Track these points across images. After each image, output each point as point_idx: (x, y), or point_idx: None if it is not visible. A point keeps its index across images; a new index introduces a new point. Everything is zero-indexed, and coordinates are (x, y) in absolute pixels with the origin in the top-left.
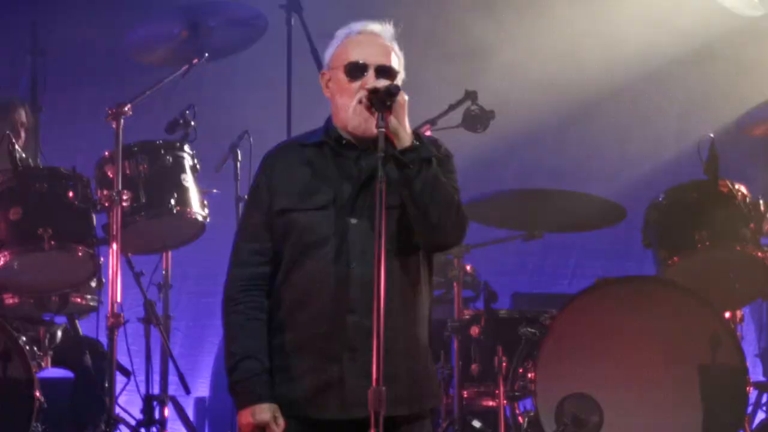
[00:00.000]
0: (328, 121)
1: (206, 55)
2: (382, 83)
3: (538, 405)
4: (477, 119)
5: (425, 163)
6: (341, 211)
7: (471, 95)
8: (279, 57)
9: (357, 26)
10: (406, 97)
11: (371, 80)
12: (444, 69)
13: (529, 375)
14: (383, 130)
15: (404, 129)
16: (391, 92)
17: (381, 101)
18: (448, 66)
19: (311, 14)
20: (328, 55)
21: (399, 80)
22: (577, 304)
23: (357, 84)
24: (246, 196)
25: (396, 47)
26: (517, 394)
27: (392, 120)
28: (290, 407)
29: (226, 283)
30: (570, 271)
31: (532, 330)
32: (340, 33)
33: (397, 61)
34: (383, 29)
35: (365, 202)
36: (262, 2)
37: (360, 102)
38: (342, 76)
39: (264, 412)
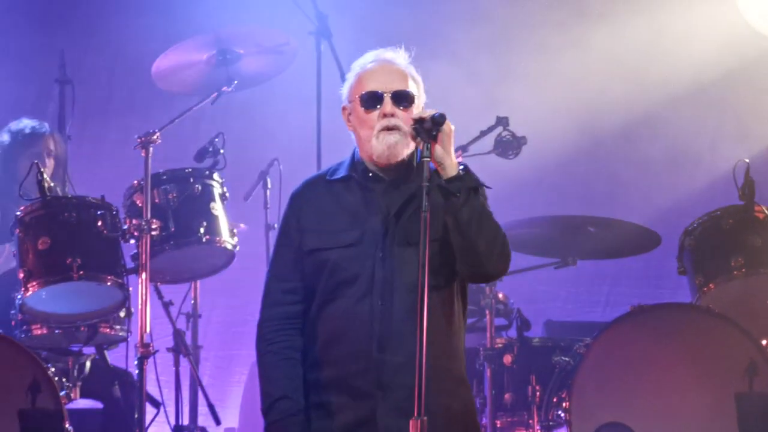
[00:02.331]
0: (353, 155)
1: (235, 82)
2: (428, 112)
3: None
4: (509, 145)
5: (472, 191)
6: (370, 247)
7: (502, 121)
8: (308, 84)
9: (370, 56)
10: (453, 126)
11: (388, 107)
12: (473, 93)
13: (564, 404)
14: (428, 159)
15: (450, 158)
16: (438, 121)
17: (427, 131)
18: (477, 90)
19: (341, 41)
20: (345, 90)
21: (420, 104)
22: (612, 331)
23: (374, 113)
24: (277, 233)
25: (412, 71)
26: (551, 423)
27: (438, 149)
28: None
29: (259, 324)
30: (604, 299)
31: (566, 358)
32: (355, 66)
33: (415, 86)
34: (396, 55)
35: (394, 238)
36: (291, 29)
37: (385, 131)
38: (359, 108)
39: None
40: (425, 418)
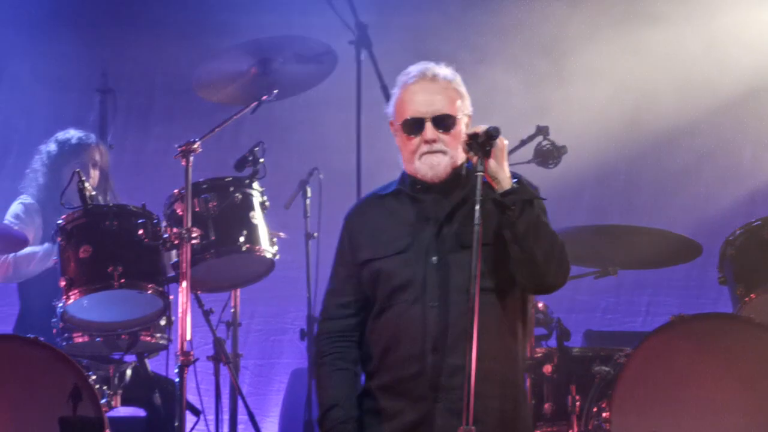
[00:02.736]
0: (403, 170)
1: (275, 91)
2: (481, 127)
3: None
4: (549, 154)
5: (527, 204)
6: (421, 253)
7: (543, 130)
8: (348, 93)
9: (414, 72)
10: (506, 142)
11: (429, 133)
12: (515, 100)
13: (604, 414)
14: (481, 174)
15: (504, 172)
16: (492, 134)
17: (480, 145)
18: (519, 97)
19: (381, 50)
20: (390, 104)
21: (464, 120)
22: (653, 341)
23: (416, 139)
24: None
25: (457, 85)
26: None
27: (491, 164)
28: None
29: (316, 337)
30: (644, 309)
31: (607, 368)
32: (399, 80)
33: (459, 101)
34: (439, 70)
35: (444, 242)
36: (331, 38)
37: (427, 154)
38: (402, 132)
39: None
40: (473, 428)
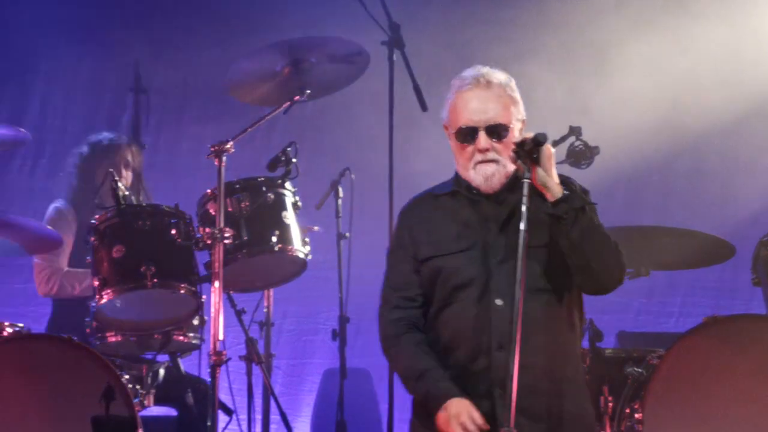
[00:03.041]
0: (457, 171)
1: (308, 92)
2: (528, 134)
3: None
4: (581, 155)
5: (579, 212)
6: (484, 252)
7: (575, 131)
8: (381, 93)
9: (468, 78)
10: (553, 150)
11: (482, 142)
12: (550, 98)
13: (636, 416)
14: (528, 181)
15: (552, 179)
16: (539, 142)
17: (528, 153)
18: (554, 95)
19: (412, 46)
20: (444, 108)
21: (517, 126)
22: (686, 342)
23: (470, 148)
24: (389, 248)
25: (510, 91)
26: None
27: (540, 172)
28: None
29: (382, 328)
30: (677, 310)
31: (639, 369)
32: (454, 84)
33: (513, 107)
34: (493, 77)
35: (507, 242)
36: (363, 39)
37: (481, 164)
38: (455, 140)
39: (460, 404)
40: (515, 430)
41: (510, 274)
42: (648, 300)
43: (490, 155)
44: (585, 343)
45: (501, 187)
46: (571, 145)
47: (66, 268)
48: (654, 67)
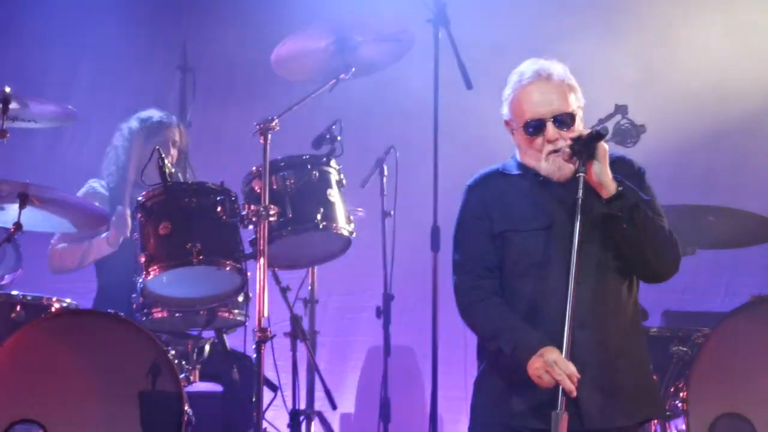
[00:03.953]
0: (518, 158)
1: (353, 69)
2: (586, 131)
3: (690, 425)
4: (627, 134)
5: (634, 209)
6: (560, 232)
7: (621, 109)
8: (426, 71)
9: (528, 72)
10: (607, 146)
11: (552, 132)
12: (592, 80)
13: (681, 394)
14: (583, 175)
15: (608, 176)
16: (602, 135)
17: (585, 146)
18: (599, 74)
19: (459, 28)
20: (505, 104)
21: (579, 113)
22: (731, 322)
23: (539, 140)
24: (459, 221)
25: (569, 80)
26: (668, 413)
27: (596, 166)
28: (522, 418)
29: (462, 294)
30: (723, 289)
31: (684, 348)
32: (512, 80)
33: (573, 98)
34: (552, 69)
35: (581, 224)
36: (409, 17)
37: (553, 153)
38: (523, 134)
39: (552, 351)
40: (566, 413)
41: (585, 254)
42: (694, 279)
43: (560, 144)
44: None
45: (571, 175)
46: (618, 123)
47: (59, 246)
48: (701, 46)
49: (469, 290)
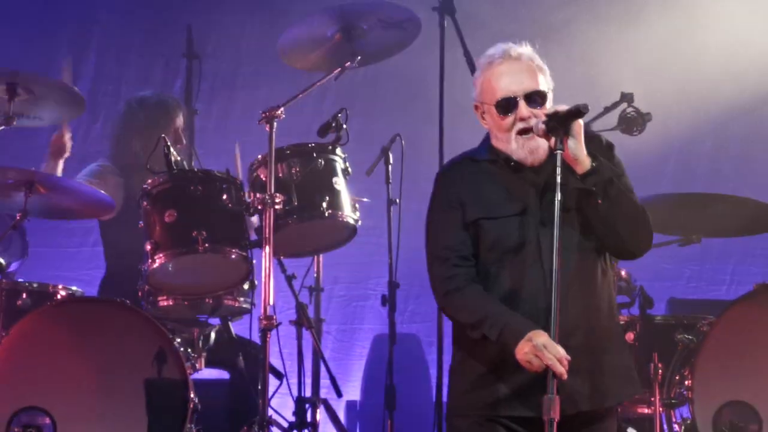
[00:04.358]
0: (488, 142)
1: (359, 58)
2: (563, 107)
3: (695, 413)
4: (633, 122)
5: (608, 184)
6: (532, 218)
7: (627, 97)
8: (431, 60)
9: (497, 54)
10: (581, 122)
11: (524, 111)
12: (596, 70)
13: (686, 382)
14: (561, 152)
15: (583, 151)
16: (581, 112)
17: (561, 123)
18: (600, 66)
19: (464, 16)
20: (476, 87)
21: (549, 94)
22: (737, 310)
23: (511, 118)
24: (432, 209)
25: (537, 61)
26: (673, 401)
27: (571, 143)
28: (504, 406)
29: (440, 284)
30: (728, 277)
31: (690, 336)
32: (482, 63)
33: (543, 78)
34: (522, 51)
35: (550, 208)
36: (415, 5)
37: (522, 134)
38: (495, 112)
39: (541, 335)
40: (557, 396)
41: (558, 236)
42: (699, 267)
43: (532, 122)
44: (635, 310)
45: (546, 159)
46: (623, 111)
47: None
48: (707, 33)
49: (447, 280)
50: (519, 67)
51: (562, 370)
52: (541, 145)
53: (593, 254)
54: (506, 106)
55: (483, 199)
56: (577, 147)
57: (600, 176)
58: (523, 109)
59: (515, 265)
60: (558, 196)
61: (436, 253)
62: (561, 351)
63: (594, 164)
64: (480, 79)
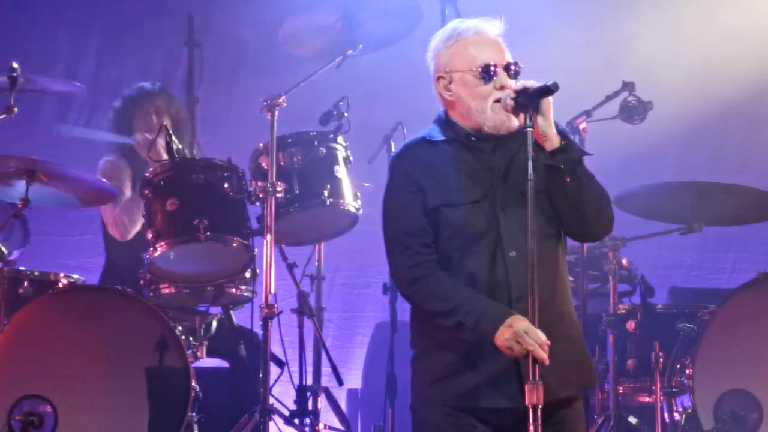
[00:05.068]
0: (445, 120)
1: (360, 46)
2: (531, 82)
3: (696, 401)
4: (634, 110)
5: (576, 163)
6: (492, 203)
7: (628, 86)
8: None
9: (471, 26)
10: (551, 99)
11: (504, 80)
12: (598, 57)
13: (687, 371)
14: (530, 130)
15: (552, 129)
16: (552, 90)
17: (530, 99)
18: (602, 54)
19: (466, 5)
20: (441, 58)
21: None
22: (738, 298)
23: (490, 86)
24: (388, 194)
25: (504, 40)
26: (674, 390)
27: (540, 120)
28: (462, 398)
29: (403, 273)
30: (729, 266)
31: (691, 325)
32: (450, 34)
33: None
34: (493, 26)
35: (511, 192)
36: None
37: (499, 102)
38: (471, 79)
39: (521, 320)
40: (541, 382)
41: (518, 223)
42: (700, 256)
43: (503, 94)
44: (636, 299)
45: (515, 129)
46: (624, 100)
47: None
48: (708, 22)
49: (412, 268)
50: (497, 40)
51: (544, 356)
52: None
53: (554, 239)
54: (487, 72)
55: (442, 185)
56: (546, 124)
57: (569, 154)
58: (504, 78)
59: (476, 253)
60: (530, 174)
61: (396, 239)
62: (542, 336)
63: (563, 142)
64: (449, 49)
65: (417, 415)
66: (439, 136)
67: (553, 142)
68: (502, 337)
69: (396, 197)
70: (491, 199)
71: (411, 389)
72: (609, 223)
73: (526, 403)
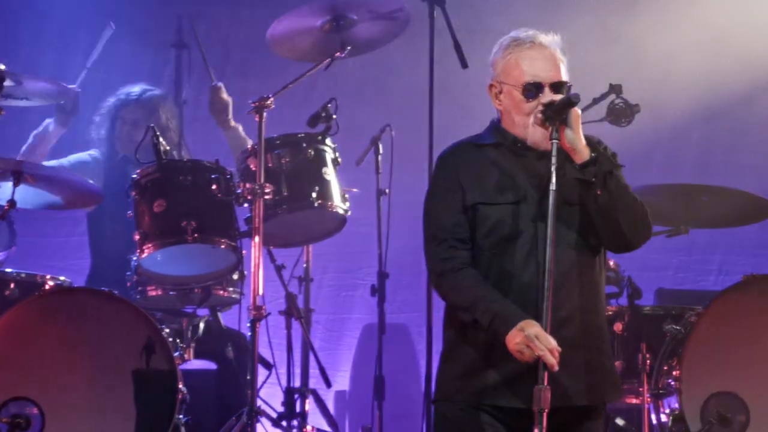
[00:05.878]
0: (497, 125)
1: (348, 48)
2: (558, 97)
3: (683, 403)
4: (622, 113)
5: (608, 175)
6: (532, 207)
7: (615, 89)
8: (421, 50)
9: (526, 38)
10: (579, 111)
11: (549, 97)
12: (584, 60)
13: (674, 372)
14: (556, 141)
15: (581, 141)
16: (573, 103)
17: (557, 112)
18: (588, 57)
19: (454, 7)
20: (496, 67)
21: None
22: (724, 300)
23: (534, 103)
24: (431, 191)
25: (560, 54)
26: (661, 391)
27: (568, 133)
28: (492, 394)
29: (436, 264)
30: (716, 268)
31: (678, 327)
32: (507, 42)
33: (564, 71)
34: (551, 40)
35: (553, 198)
36: None
37: (535, 118)
38: (517, 95)
39: (533, 325)
40: (548, 386)
41: (556, 229)
42: (687, 258)
43: (539, 107)
44: (623, 300)
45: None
46: (612, 103)
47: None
48: (694, 24)
49: (443, 260)
50: (547, 54)
51: (553, 361)
52: None
53: (591, 252)
54: (533, 90)
55: (482, 184)
56: (574, 137)
57: (599, 167)
58: (548, 96)
59: (510, 253)
60: (553, 184)
61: (433, 233)
62: (552, 342)
63: (593, 155)
64: (503, 60)
65: (435, 411)
66: (486, 140)
67: (583, 155)
68: (514, 340)
69: (437, 194)
70: (531, 203)
71: (435, 383)
72: (645, 232)
73: (533, 407)
